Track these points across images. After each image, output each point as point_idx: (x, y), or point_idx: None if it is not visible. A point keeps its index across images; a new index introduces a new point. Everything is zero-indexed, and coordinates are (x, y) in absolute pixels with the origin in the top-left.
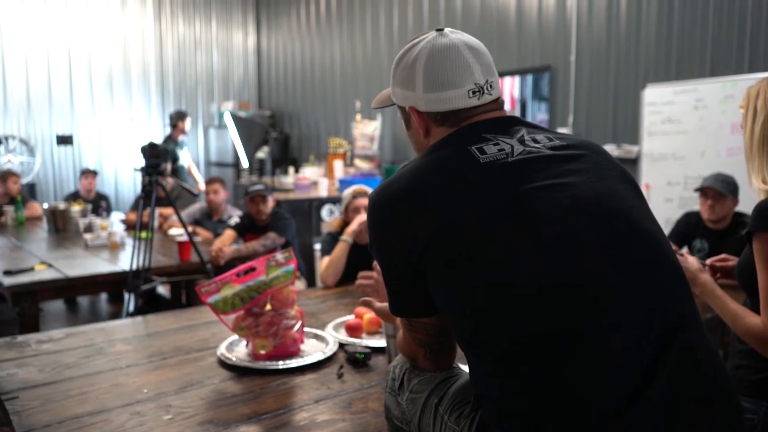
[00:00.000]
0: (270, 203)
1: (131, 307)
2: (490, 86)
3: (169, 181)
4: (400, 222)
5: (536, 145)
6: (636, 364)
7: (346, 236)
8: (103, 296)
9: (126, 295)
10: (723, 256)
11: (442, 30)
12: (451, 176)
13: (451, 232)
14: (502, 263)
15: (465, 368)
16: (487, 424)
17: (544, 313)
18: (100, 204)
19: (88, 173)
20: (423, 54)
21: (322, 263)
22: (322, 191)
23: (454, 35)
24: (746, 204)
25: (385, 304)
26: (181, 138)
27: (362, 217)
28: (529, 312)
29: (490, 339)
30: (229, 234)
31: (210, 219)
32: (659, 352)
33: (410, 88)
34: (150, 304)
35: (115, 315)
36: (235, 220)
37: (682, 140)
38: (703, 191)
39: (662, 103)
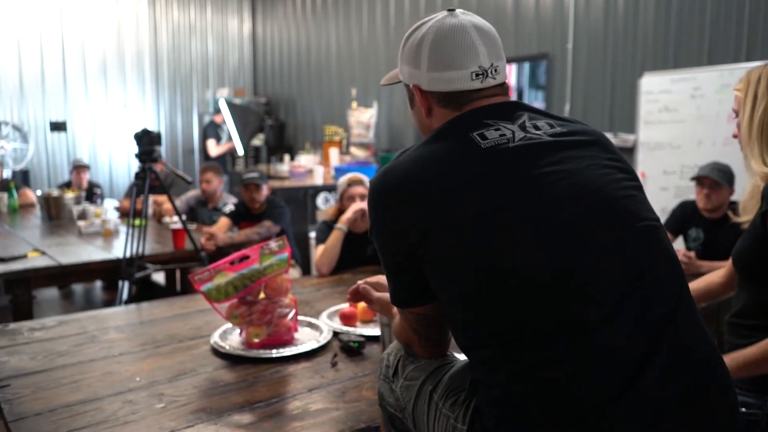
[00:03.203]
0: (264, 191)
1: (125, 295)
2: (495, 70)
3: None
4: (400, 209)
5: (537, 132)
6: (630, 353)
7: (341, 224)
8: (98, 284)
9: (120, 283)
10: (682, 251)
11: (453, 10)
12: (453, 164)
13: (451, 221)
14: (501, 254)
15: (459, 356)
16: (482, 412)
17: (541, 303)
18: (93, 192)
19: (81, 168)
20: (430, 32)
21: (317, 251)
22: (318, 179)
23: (465, 16)
24: (742, 193)
25: (383, 294)
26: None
27: (357, 206)
28: (526, 302)
29: (488, 329)
30: (224, 221)
31: (205, 206)
32: (653, 341)
33: (415, 66)
34: (145, 292)
35: (110, 303)
36: (230, 207)
37: (678, 129)
38: (699, 180)
39: (659, 91)
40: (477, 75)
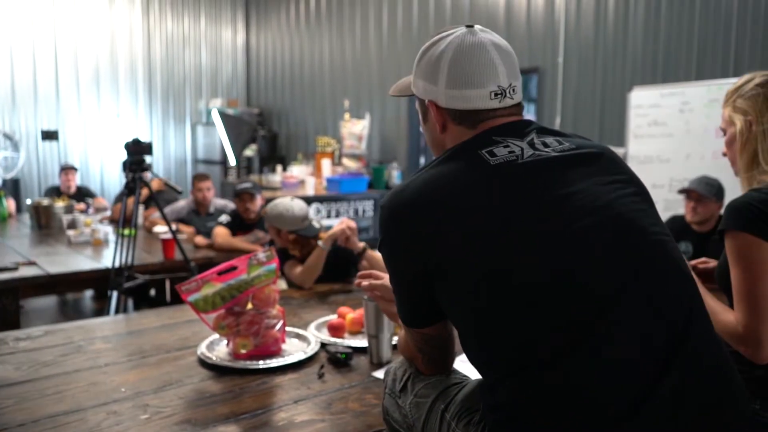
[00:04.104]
0: (258, 201)
1: (113, 305)
2: (513, 90)
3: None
4: (411, 229)
5: (545, 149)
6: (640, 369)
7: (323, 243)
8: (88, 293)
9: (109, 293)
10: (704, 258)
11: (472, 27)
12: (463, 185)
13: (459, 241)
14: (508, 273)
15: (464, 373)
16: None
17: (550, 318)
18: (84, 199)
19: (68, 170)
20: (450, 49)
21: (293, 270)
22: (310, 190)
23: (484, 34)
24: None
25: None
26: None
27: (345, 222)
28: (534, 318)
29: (493, 351)
30: (223, 231)
31: (198, 215)
32: (666, 356)
33: (433, 82)
34: (140, 302)
35: (100, 312)
36: (226, 218)
37: (667, 143)
38: (687, 193)
39: (648, 105)
40: (496, 94)
